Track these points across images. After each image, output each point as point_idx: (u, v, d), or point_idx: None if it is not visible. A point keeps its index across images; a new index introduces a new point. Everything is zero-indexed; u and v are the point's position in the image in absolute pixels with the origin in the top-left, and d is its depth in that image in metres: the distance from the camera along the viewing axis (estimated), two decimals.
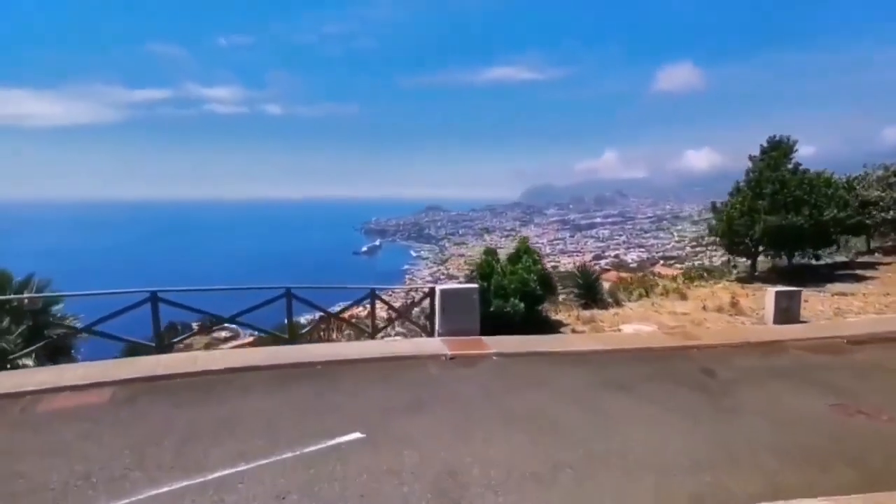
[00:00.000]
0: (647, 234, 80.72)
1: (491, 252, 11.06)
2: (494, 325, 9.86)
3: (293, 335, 8.85)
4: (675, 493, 4.35)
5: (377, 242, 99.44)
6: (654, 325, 10.87)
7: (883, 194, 16.84)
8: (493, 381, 7.18)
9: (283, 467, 4.55)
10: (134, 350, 8.56)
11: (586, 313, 12.05)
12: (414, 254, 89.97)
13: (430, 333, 9.64)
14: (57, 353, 11.28)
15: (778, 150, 14.88)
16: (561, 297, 14.02)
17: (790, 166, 14.91)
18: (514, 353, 8.66)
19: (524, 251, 11.12)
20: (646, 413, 6.14)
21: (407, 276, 74.00)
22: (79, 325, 9.57)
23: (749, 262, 18.72)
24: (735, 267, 18.52)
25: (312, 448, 4.88)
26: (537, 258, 11.18)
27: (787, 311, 10.80)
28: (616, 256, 77.88)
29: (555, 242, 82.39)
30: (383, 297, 10.19)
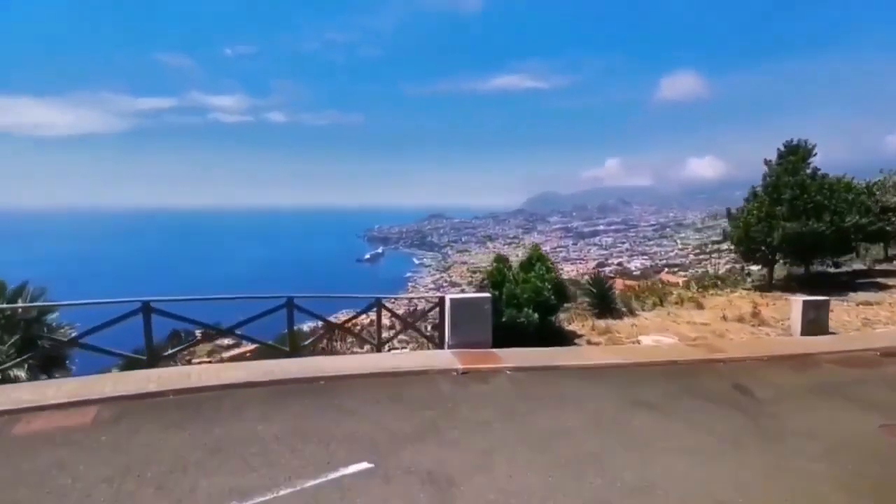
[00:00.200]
0: (651, 242, 80.00)
1: (502, 259, 10.46)
2: (506, 336, 9.25)
3: (294, 347, 8.25)
4: None
5: (380, 250, 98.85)
6: (673, 336, 10.24)
7: None
8: (511, 400, 6.55)
9: None
10: (133, 362, 7.98)
11: (601, 323, 11.42)
12: (417, 261, 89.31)
13: (440, 345, 9.03)
14: (50, 363, 10.71)
15: (796, 155, 14.31)
16: (570, 307, 13.39)
17: (808, 171, 14.33)
18: (530, 367, 8.04)
19: (537, 258, 10.51)
20: (684, 438, 5.50)
21: (409, 284, 73.32)
22: (74, 334, 9.13)
23: (764, 269, 18.11)
24: (749, 275, 17.90)
25: (314, 482, 4.26)
26: (550, 266, 10.58)
27: (814, 322, 10.16)
28: (619, 264, 77.18)
29: (558, 250, 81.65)
30: (389, 306, 9.57)
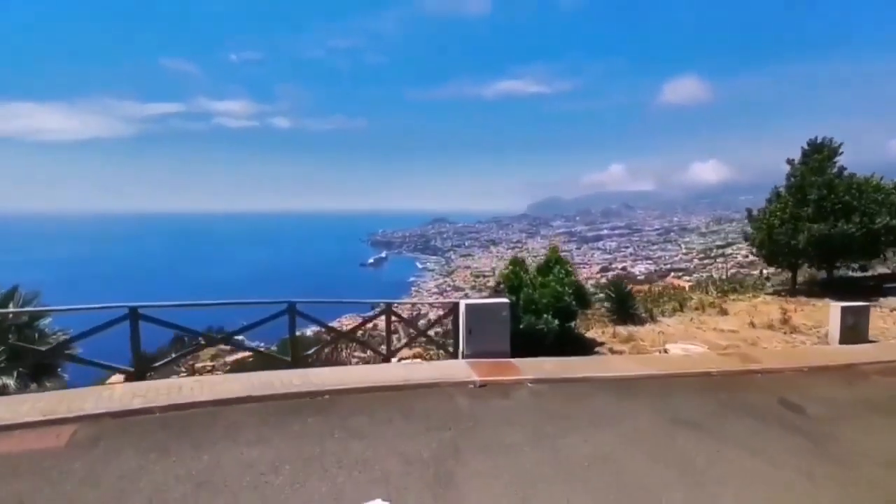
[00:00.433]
0: (655, 247, 79.07)
1: (518, 262, 9.73)
2: (524, 344, 8.52)
3: (296, 357, 7.52)
4: None
5: (383, 254, 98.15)
6: (701, 344, 9.48)
7: None
8: (537, 418, 5.81)
9: None
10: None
11: (622, 330, 10.68)
12: (420, 265, 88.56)
13: (454, 355, 8.30)
14: (41, 371, 10.04)
15: (821, 153, 13.57)
16: (587, 312, 12.64)
17: (834, 171, 13.60)
18: (553, 379, 7.30)
19: (555, 261, 9.79)
20: (742, 465, 4.75)
21: (413, 288, 72.65)
22: (65, 338, 8.51)
23: (783, 273, 17.34)
24: (768, 279, 17.15)
25: None
26: (570, 269, 9.85)
27: (853, 330, 9.40)
28: (623, 268, 76.31)
29: (562, 254, 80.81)
30: (398, 311, 8.84)
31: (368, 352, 9.61)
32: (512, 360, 8.03)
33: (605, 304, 12.05)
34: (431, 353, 9.58)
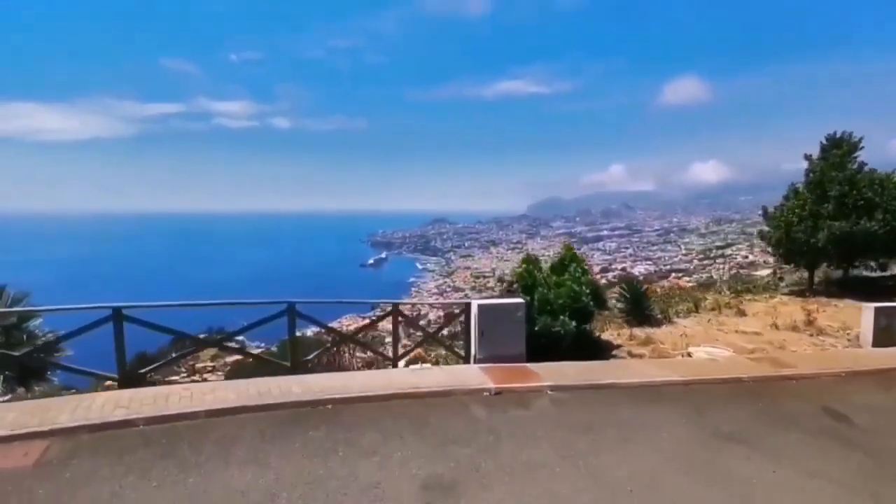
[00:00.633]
0: (654, 247, 78.44)
1: (532, 260, 9.12)
2: (538, 346, 7.92)
3: (296, 361, 6.90)
4: None
5: (383, 255, 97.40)
6: (725, 347, 8.88)
7: None
8: (564, 431, 5.19)
9: None
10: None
11: (639, 332, 10.07)
12: (420, 266, 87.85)
13: (465, 359, 7.68)
14: (29, 374, 9.46)
15: (840, 149, 13.00)
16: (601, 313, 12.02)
17: (854, 166, 13.02)
18: (574, 386, 6.69)
19: (570, 259, 9.18)
20: (804, 488, 4.14)
21: (413, 289, 71.93)
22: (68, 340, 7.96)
23: (797, 272, 16.75)
24: (781, 279, 16.57)
25: None
26: (586, 268, 9.24)
27: (887, 332, 8.80)
28: (623, 269, 75.70)
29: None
30: (405, 311, 8.19)
31: (369, 353, 9.00)
32: (528, 364, 7.42)
33: (619, 304, 11.44)
34: (434, 354, 8.96)
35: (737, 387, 6.97)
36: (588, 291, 8.57)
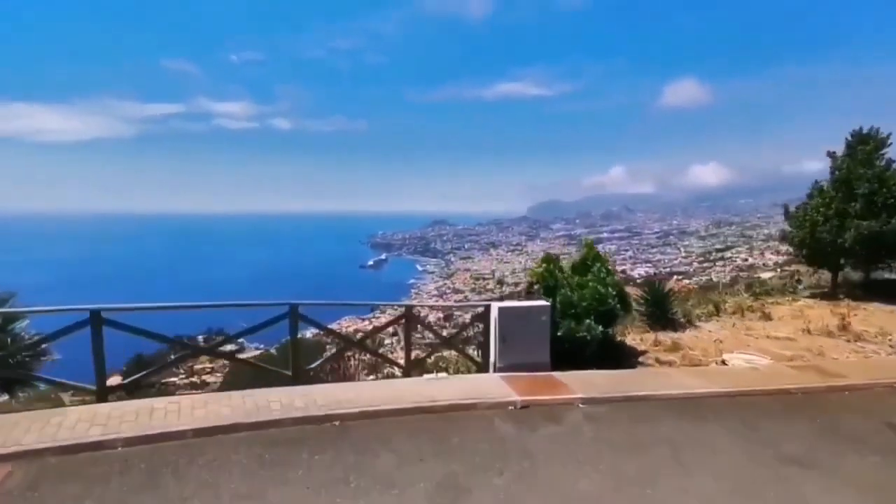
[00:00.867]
0: (654, 250, 77.78)
1: (552, 259, 8.39)
2: (561, 353, 7.19)
3: (297, 369, 6.16)
4: None
5: (383, 256, 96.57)
6: (761, 354, 8.16)
7: None
8: (606, 453, 4.47)
9: None
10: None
11: (664, 337, 9.34)
12: (420, 268, 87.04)
13: (483, 367, 6.95)
14: (13, 380, 8.74)
15: (867, 145, 12.33)
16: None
17: (881, 163, 12.35)
18: (607, 397, 5.97)
19: (593, 258, 8.45)
20: None
21: (413, 291, 71.14)
22: (43, 345, 7.36)
23: (815, 274, 16.05)
24: (799, 281, 15.88)
25: None
26: (610, 268, 8.52)
27: None
28: (623, 271, 75.04)
29: (561, 257, 79.46)
30: (413, 314, 7.44)
31: (376, 359, 8.26)
32: (553, 373, 6.70)
33: (640, 307, 10.71)
34: (444, 360, 8.22)
35: (786, 399, 6.25)
36: (614, 293, 7.85)
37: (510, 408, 5.63)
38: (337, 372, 7.82)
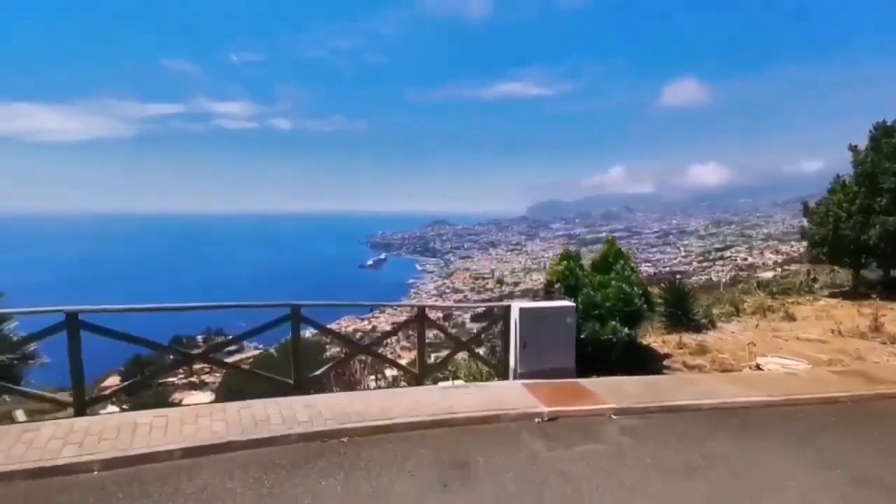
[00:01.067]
0: (654, 249, 77.28)
1: (571, 256, 7.77)
2: (584, 356, 6.60)
3: (300, 376, 5.54)
4: None
5: (383, 256, 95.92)
6: (797, 358, 7.56)
7: None
8: (658, 476, 3.86)
9: None
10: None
11: (688, 339, 8.75)
12: (419, 268, 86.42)
13: (502, 373, 6.33)
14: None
15: (893, 137, 11.73)
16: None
17: None
18: (641, 408, 5.37)
19: (615, 255, 7.84)
20: None
21: (412, 290, 70.57)
22: (33, 347, 6.63)
23: (832, 273, 15.48)
24: (815, 280, 15.31)
25: None
26: (634, 266, 7.92)
27: None
28: None
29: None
30: (427, 314, 6.78)
31: (378, 364, 7.64)
32: (579, 380, 6.09)
33: (658, 307, 10.10)
34: (456, 362, 7.60)
35: (835, 409, 5.65)
36: (640, 293, 7.25)
37: (537, 420, 5.02)
38: (342, 377, 7.20)
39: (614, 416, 5.20)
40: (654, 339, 9.14)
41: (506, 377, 6.18)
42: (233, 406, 4.83)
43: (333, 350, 10.88)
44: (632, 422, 5.07)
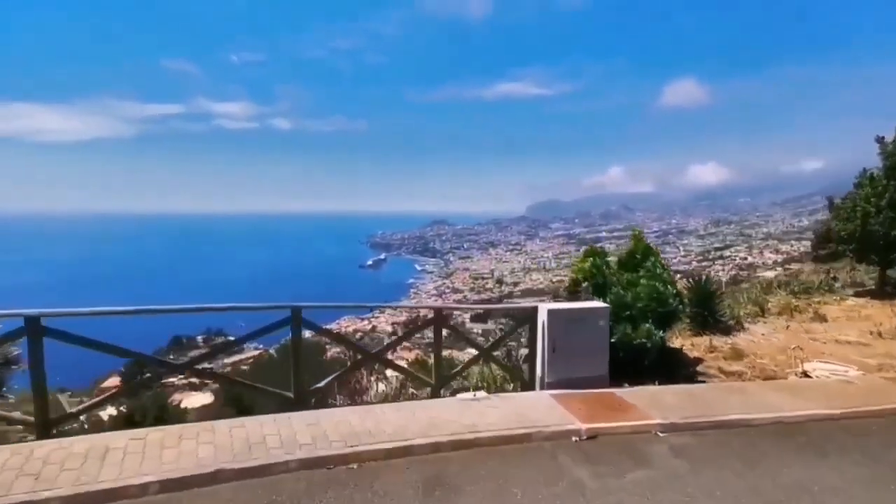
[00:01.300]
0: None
1: (597, 252, 7.08)
2: (614, 363, 5.89)
3: (301, 392, 4.83)
4: None
5: (382, 256, 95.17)
6: (844, 363, 6.87)
7: None
8: None
9: None
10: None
11: (719, 342, 8.06)
12: (419, 267, 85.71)
13: (528, 383, 5.62)
14: None
15: None
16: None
17: None
18: (690, 423, 4.67)
19: (643, 251, 7.14)
20: None
21: (412, 290, 69.92)
22: (17, 352, 6.13)
23: (851, 272, 14.82)
24: (835, 279, 14.66)
25: None
26: (664, 263, 7.22)
27: None
28: None
29: (560, 256, 78.48)
30: (445, 317, 6.04)
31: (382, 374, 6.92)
32: (613, 390, 5.40)
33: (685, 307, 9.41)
34: (481, 374, 6.87)
35: None
36: (674, 292, 6.56)
37: (574, 439, 4.33)
38: (347, 385, 6.50)
39: (661, 434, 4.50)
40: (681, 341, 8.45)
41: (532, 387, 5.48)
42: (223, 425, 4.11)
43: (334, 350, 10.20)
44: (682, 440, 4.37)
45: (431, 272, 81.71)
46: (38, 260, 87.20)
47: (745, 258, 65.27)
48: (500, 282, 70.11)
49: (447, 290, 68.05)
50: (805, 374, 6.48)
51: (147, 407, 8.98)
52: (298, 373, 4.87)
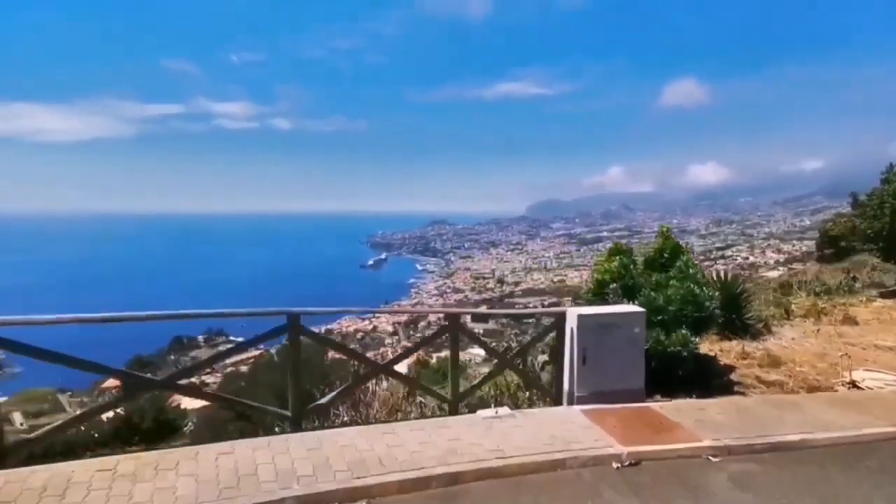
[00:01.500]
0: None
1: (624, 251, 6.48)
2: (647, 372, 5.29)
3: (299, 410, 4.21)
4: None
5: (383, 256, 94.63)
6: (890, 371, 6.27)
7: None
8: None
9: None
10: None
11: (750, 348, 7.46)
12: (420, 267, 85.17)
13: (556, 397, 5.00)
14: None
15: None
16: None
17: None
18: (745, 445, 4.07)
19: (672, 250, 6.54)
20: None
21: (413, 290, 69.42)
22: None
23: (869, 271, 14.22)
24: (855, 279, 14.10)
25: None
26: (695, 263, 6.62)
27: None
28: None
29: (561, 256, 77.90)
30: (461, 324, 5.41)
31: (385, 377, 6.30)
32: (650, 405, 4.79)
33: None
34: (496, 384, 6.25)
35: None
36: (711, 294, 5.96)
37: (615, 465, 3.72)
38: (351, 396, 5.88)
39: (714, 459, 3.90)
40: (709, 346, 7.84)
41: (560, 402, 4.86)
42: (208, 452, 3.50)
43: (334, 352, 9.61)
44: (741, 467, 3.77)
45: (432, 272, 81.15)
46: (38, 260, 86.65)
47: (747, 258, 64.62)
48: (501, 281, 69.52)
49: (448, 290, 67.50)
50: (854, 385, 5.88)
51: (145, 409, 8.34)
52: (298, 386, 4.26)
